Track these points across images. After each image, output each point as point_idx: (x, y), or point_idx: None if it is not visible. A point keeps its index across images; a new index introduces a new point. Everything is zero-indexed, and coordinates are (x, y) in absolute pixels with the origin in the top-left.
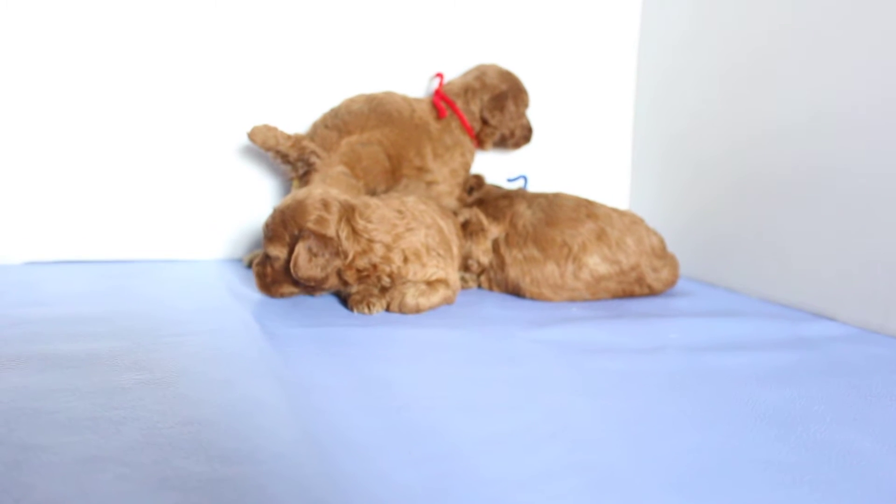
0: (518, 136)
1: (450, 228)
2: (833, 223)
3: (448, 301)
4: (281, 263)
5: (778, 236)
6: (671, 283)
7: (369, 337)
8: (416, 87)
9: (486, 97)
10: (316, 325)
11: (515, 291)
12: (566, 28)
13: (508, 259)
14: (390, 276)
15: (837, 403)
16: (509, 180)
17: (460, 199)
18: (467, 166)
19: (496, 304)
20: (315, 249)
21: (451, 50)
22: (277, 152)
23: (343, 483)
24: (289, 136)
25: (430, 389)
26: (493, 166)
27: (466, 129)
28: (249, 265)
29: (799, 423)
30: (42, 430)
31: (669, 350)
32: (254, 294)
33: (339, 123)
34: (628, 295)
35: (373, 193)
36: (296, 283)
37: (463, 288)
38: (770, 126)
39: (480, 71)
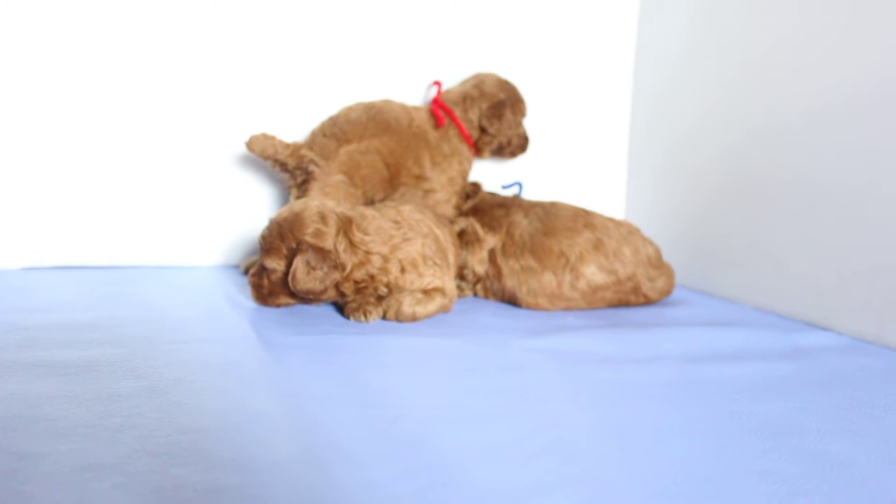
0: (515, 144)
1: (446, 237)
2: (828, 233)
3: (444, 309)
4: (278, 276)
5: (773, 246)
6: (667, 292)
7: (366, 345)
8: (414, 95)
9: (484, 106)
10: (312, 334)
11: (512, 301)
12: (563, 37)
13: (505, 269)
14: (387, 286)
15: (832, 414)
16: (504, 187)
17: (457, 208)
18: (465, 174)
19: (492, 313)
20: (313, 263)
21: (449, 58)
22: (276, 161)
23: (339, 493)
24: (287, 145)
25: (426, 399)
26: (490, 174)
27: (464, 137)
28: (246, 272)
29: (794, 434)
30: (39, 437)
31: (664, 360)
32: (250, 301)
33: (337, 132)
34: (624, 304)
35: (371, 202)
36: (293, 294)
37: (458, 296)
38: (765, 136)
39: (479, 80)
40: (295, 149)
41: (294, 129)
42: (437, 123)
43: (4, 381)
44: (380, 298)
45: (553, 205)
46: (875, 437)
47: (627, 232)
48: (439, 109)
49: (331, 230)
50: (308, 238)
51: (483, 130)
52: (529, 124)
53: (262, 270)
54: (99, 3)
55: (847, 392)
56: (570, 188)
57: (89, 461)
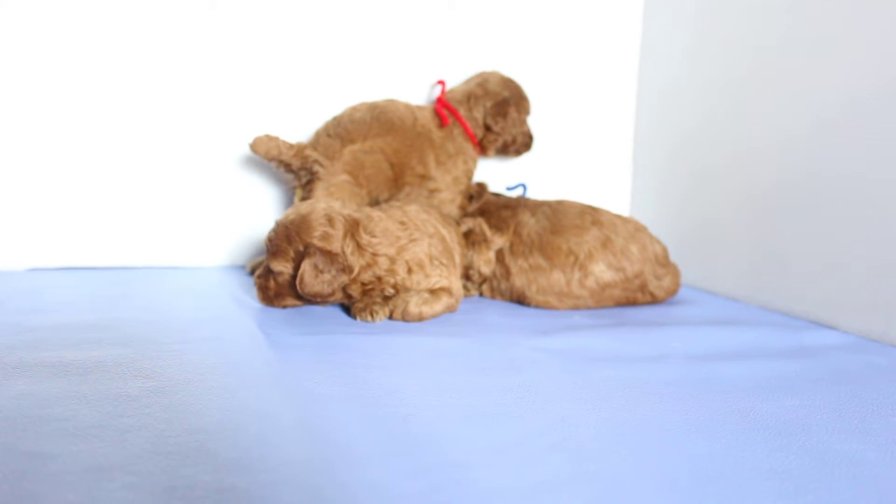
0: (520, 143)
1: (452, 237)
2: (834, 232)
3: (451, 309)
4: (285, 278)
5: (779, 245)
6: (673, 291)
7: (372, 345)
8: (417, 94)
9: (488, 104)
10: (319, 334)
11: (520, 300)
12: (567, 36)
13: (514, 268)
14: (394, 286)
15: (839, 412)
16: (509, 189)
17: (462, 207)
18: (470, 174)
19: (499, 313)
20: (321, 266)
21: (453, 57)
22: (280, 162)
23: (347, 492)
24: (291, 146)
25: (433, 398)
26: (495, 174)
27: (469, 136)
28: (252, 272)
29: (801, 432)
30: (49, 438)
31: (671, 359)
32: (257, 302)
33: (341, 132)
34: (631, 303)
35: (376, 201)
36: (299, 296)
37: (464, 296)
38: (771, 135)
39: (483, 78)
40: (299, 149)
41: (298, 129)
42: (442, 123)
43: (13, 381)
44: (386, 298)
45: (560, 203)
46: (883, 435)
47: (635, 229)
48: (443, 109)
49: (338, 233)
50: (315, 241)
51: (488, 129)
52: (534, 123)
53: (269, 272)
54: (105, 4)
55: (854, 390)
56: (574, 188)
57: (99, 461)
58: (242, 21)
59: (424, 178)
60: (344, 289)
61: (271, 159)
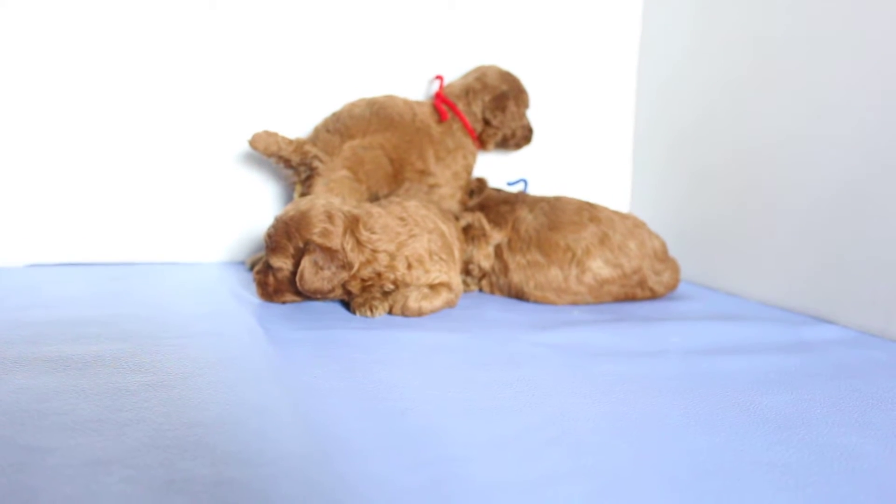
0: (519, 136)
1: (451, 232)
2: (834, 227)
3: (450, 304)
4: (284, 274)
5: (778, 240)
6: (672, 286)
7: (372, 340)
8: (416, 89)
9: (487, 98)
10: (319, 329)
11: (519, 296)
12: (567, 32)
13: (512, 264)
14: (394, 282)
15: (839, 407)
16: (509, 184)
17: (462, 202)
18: (469, 168)
19: (498, 308)
20: (321, 263)
21: (452, 53)
22: (280, 157)
23: (346, 486)
24: (290, 141)
25: (433, 392)
26: (495, 168)
27: (468, 130)
28: (252, 268)
29: (801, 426)
30: (47, 431)
31: (671, 354)
32: (256, 297)
33: (340, 127)
34: (630, 298)
35: (375, 197)
36: (298, 292)
37: (464, 291)
38: (770, 132)
39: (481, 72)
40: (298, 145)
41: (297, 125)
42: (441, 118)
43: (12, 376)
44: (385, 294)
45: (558, 199)
46: (882, 429)
47: (633, 225)
48: (442, 104)
49: (338, 229)
50: (315, 238)
51: (487, 123)
52: (534, 121)
53: (268, 268)
54: (104, 3)
55: (853, 384)
56: (574, 184)
57: (97, 455)
58: (241, 18)
59: (424, 173)
60: (344, 285)
61: (270, 155)
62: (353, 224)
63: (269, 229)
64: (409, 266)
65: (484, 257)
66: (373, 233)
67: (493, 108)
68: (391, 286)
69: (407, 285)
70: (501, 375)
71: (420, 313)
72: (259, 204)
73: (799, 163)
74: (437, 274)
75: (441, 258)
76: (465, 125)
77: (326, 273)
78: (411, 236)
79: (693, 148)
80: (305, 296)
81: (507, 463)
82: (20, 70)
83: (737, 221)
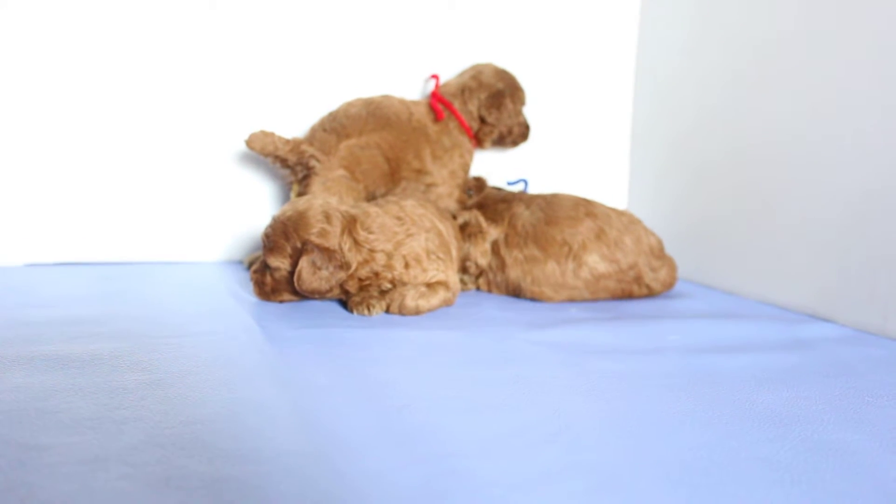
0: (516, 133)
1: (448, 231)
2: (831, 226)
3: (447, 303)
4: (282, 273)
5: (776, 239)
6: (669, 284)
7: (369, 338)
8: (411, 88)
9: (483, 96)
10: (316, 327)
11: (516, 292)
12: (565, 29)
13: (509, 260)
14: (392, 281)
15: (835, 404)
16: (510, 183)
17: (460, 201)
18: (466, 167)
19: (495, 306)
20: (319, 263)
21: (447, 51)
22: (276, 157)
23: (342, 483)
24: (287, 141)
25: (430, 390)
26: (493, 167)
27: (465, 129)
28: (249, 267)
29: (797, 423)
30: (46, 429)
31: (668, 351)
32: (253, 296)
33: (337, 127)
34: (627, 295)
35: (372, 196)
36: (296, 291)
37: (461, 290)
38: (768, 129)
39: (476, 70)
40: (295, 144)
41: (293, 125)
42: (437, 117)
43: (10, 374)
44: (383, 293)
45: (554, 196)
46: (878, 426)
47: (629, 221)
48: (438, 103)
49: (335, 229)
50: (313, 238)
51: (483, 121)
52: (532, 119)
53: (266, 268)
54: (104, 2)
55: (850, 382)
56: (572, 182)
57: (95, 452)
58: (239, 19)
59: (421, 172)
60: (341, 285)
61: (267, 155)
62: (350, 224)
63: (266, 229)
64: (407, 265)
65: (481, 254)
66: (370, 232)
67: (490, 106)
68: (388, 285)
69: (404, 284)
70: (498, 373)
71: (417, 312)
72: (256, 203)
73: (797, 161)
74: (435, 273)
75: (438, 257)
76: (461, 124)
77: (324, 273)
78: (408, 235)
79: (691, 146)
80: (303, 295)
81: (505, 460)
82: (19, 70)
83: (734, 220)
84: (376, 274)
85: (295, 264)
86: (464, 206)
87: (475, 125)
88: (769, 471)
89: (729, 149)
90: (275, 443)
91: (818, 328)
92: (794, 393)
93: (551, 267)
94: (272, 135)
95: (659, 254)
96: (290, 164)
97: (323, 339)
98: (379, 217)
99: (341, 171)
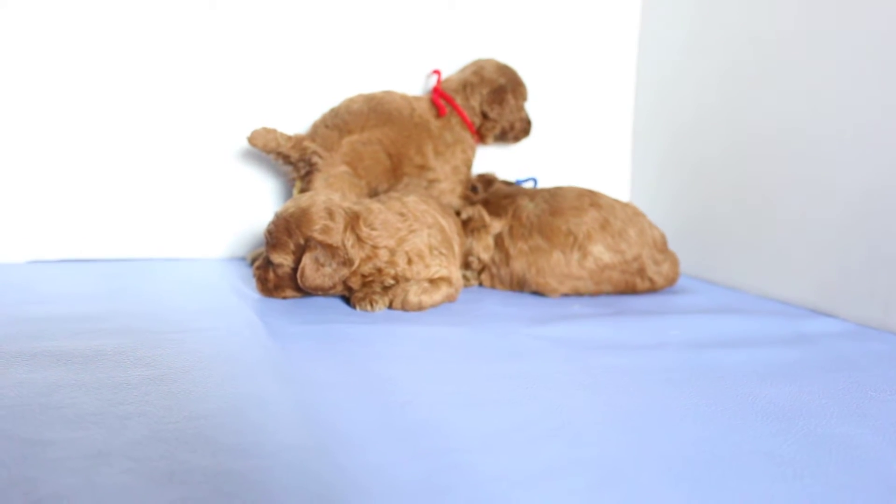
0: (518, 129)
1: (451, 227)
2: (833, 221)
3: (450, 299)
4: (285, 270)
5: (777, 234)
6: (672, 279)
7: (372, 334)
8: (413, 84)
9: (485, 91)
10: (319, 323)
11: (520, 284)
12: (567, 25)
13: (513, 251)
14: (394, 277)
15: (838, 398)
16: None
17: (463, 197)
18: (469, 163)
19: (498, 302)
20: (322, 259)
21: (449, 47)
22: (279, 154)
23: (345, 478)
24: (289, 138)
25: (433, 386)
26: (495, 163)
27: (467, 124)
28: (252, 263)
29: (800, 417)
30: (49, 425)
31: (671, 347)
32: (256, 293)
33: (339, 123)
34: (630, 288)
35: (374, 192)
36: (299, 288)
37: (464, 286)
38: (769, 125)
39: (478, 66)
40: (297, 141)
41: (295, 121)
42: (439, 113)
43: (14, 370)
44: (386, 289)
45: (558, 188)
46: (880, 420)
47: (633, 213)
48: (440, 98)
49: (338, 226)
50: (316, 234)
51: (485, 116)
52: (534, 115)
53: (268, 264)
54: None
55: (852, 376)
56: (574, 177)
57: (99, 447)
58: (240, 14)
59: (423, 168)
60: (344, 281)
61: (270, 151)
62: (353, 220)
63: (269, 226)
64: (410, 261)
65: (483, 248)
66: (373, 229)
67: (491, 101)
68: (391, 281)
69: (407, 280)
70: (501, 369)
71: (420, 308)
72: (259, 200)
73: (798, 156)
74: (438, 268)
75: (441, 253)
76: (463, 119)
77: (327, 270)
78: (411, 231)
79: (693, 142)
80: (306, 291)
81: (507, 455)
82: (21, 68)
83: (736, 215)
84: (379, 270)
85: (298, 261)
86: (471, 202)
87: (477, 121)
88: (772, 465)
89: (731, 144)
90: (277, 437)
91: (820, 323)
92: (796, 387)
93: (556, 257)
94: (274, 131)
95: (662, 247)
96: (293, 161)
97: (326, 335)
98: (382, 213)
99: (343, 168)
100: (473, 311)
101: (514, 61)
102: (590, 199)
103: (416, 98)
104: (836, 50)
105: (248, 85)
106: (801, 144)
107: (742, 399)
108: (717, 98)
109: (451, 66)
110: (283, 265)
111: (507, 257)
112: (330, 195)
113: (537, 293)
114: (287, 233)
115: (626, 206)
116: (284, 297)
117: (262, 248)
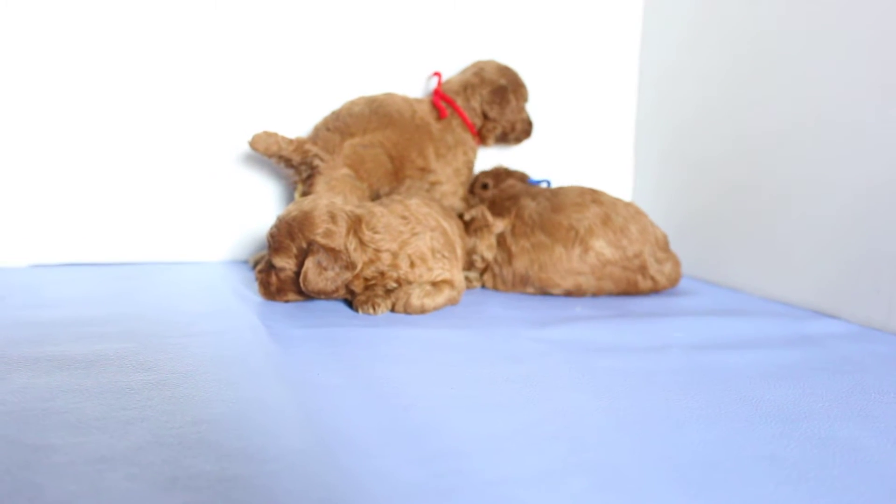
0: (519, 129)
1: (453, 229)
2: (835, 221)
3: (453, 302)
4: (287, 274)
5: (780, 234)
6: (674, 280)
7: (374, 337)
8: (414, 86)
9: (485, 92)
10: (321, 326)
11: (523, 282)
12: (569, 23)
13: (515, 249)
14: (397, 280)
15: (841, 400)
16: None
17: (465, 199)
18: (470, 164)
19: (500, 304)
20: (325, 263)
21: (450, 48)
22: (280, 157)
23: (349, 481)
24: (291, 141)
25: (435, 389)
26: (496, 163)
27: (468, 126)
28: (255, 266)
29: (803, 419)
30: (52, 430)
31: (673, 349)
32: (259, 296)
33: (340, 125)
34: (632, 286)
35: (376, 195)
36: (301, 291)
37: (467, 288)
38: (771, 124)
39: (479, 67)
40: (299, 144)
41: (297, 124)
42: (440, 115)
43: (16, 375)
44: (388, 292)
45: (560, 187)
46: (884, 422)
47: (635, 212)
48: (441, 100)
49: (341, 229)
50: (319, 238)
51: (486, 118)
52: (536, 114)
53: (271, 268)
54: (106, 2)
55: (856, 378)
56: (576, 176)
57: (102, 452)
58: (241, 18)
59: (425, 170)
60: (347, 284)
61: (271, 155)
62: (356, 224)
63: (271, 229)
64: (412, 264)
65: (487, 247)
66: (375, 232)
67: (492, 102)
68: (394, 284)
69: (410, 283)
70: (504, 371)
71: (423, 310)
72: (261, 203)
73: (800, 155)
74: (440, 271)
75: (443, 256)
76: (464, 121)
77: (330, 273)
78: (414, 234)
79: (694, 142)
80: (308, 295)
81: (510, 458)
82: (23, 70)
83: (739, 215)
84: (382, 273)
85: (300, 264)
86: (469, 204)
87: (478, 122)
88: (775, 468)
89: (733, 144)
90: (280, 441)
91: (823, 324)
92: (799, 389)
93: (559, 252)
94: (275, 135)
95: (664, 247)
96: (295, 164)
97: (328, 338)
98: (384, 216)
99: (345, 170)
100: (476, 313)
101: (515, 62)
102: (591, 196)
103: (418, 100)
104: (838, 48)
105: (250, 88)
106: (803, 143)
107: (745, 401)
108: (720, 98)
109: (452, 67)
110: (285, 269)
111: (509, 256)
112: (332, 198)
113: (540, 290)
114: (290, 236)
115: (628, 204)
116: (287, 301)
117: (265, 252)
